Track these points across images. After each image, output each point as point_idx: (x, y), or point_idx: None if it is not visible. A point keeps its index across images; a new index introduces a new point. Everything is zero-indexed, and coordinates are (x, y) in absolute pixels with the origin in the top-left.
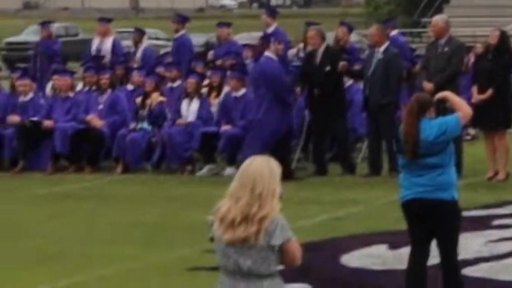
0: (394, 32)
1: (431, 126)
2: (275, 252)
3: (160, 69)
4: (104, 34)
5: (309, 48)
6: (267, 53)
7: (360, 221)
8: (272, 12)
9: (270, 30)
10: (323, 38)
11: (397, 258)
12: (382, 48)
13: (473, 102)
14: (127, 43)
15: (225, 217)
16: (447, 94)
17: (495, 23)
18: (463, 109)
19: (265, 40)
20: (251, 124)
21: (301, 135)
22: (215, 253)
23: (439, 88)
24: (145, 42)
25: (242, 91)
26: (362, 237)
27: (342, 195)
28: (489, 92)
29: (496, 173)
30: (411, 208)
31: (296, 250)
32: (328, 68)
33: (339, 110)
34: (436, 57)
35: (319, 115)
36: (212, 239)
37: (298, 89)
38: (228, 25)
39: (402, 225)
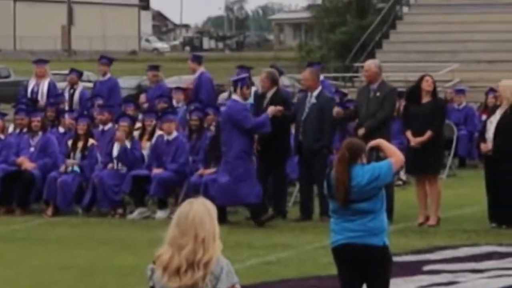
0: (321, 77)
1: (363, 172)
2: None
3: (93, 111)
4: (41, 76)
5: (260, 90)
6: (234, 97)
7: (291, 266)
8: (197, 58)
9: (196, 75)
10: (273, 81)
11: None
12: (315, 93)
13: (406, 147)
14: (60, 85)
15: (168, 265)
16: (380, 141)
17: (427, 68)
18: (395, 155)
19: (234, 84)
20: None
21: None
22: None
23: (371, 132)
24: (80, 84)
25: (174, 134)
26: (293, 282)
27: (273, 240)
28: (428, 133)
29: (427, 219)
30: (341, 253)
31: None
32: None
33: (283, 155)
34: (368, 102)
35: (265, 159)
36: None
37: None
38: (157, 68)
39: (333, 270)
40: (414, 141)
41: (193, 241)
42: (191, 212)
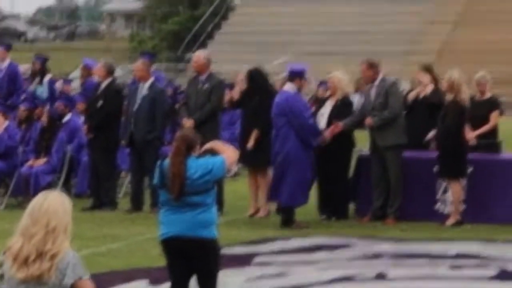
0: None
1: (197, 165)
2: None
3: None
4: None
5: (97, 80)
6: (287, 87)
7: (121, 257)
8: (7, 47)
9: (5, 64)
10: (109, 72)
11: None
12: (147, 84)
13: (239, 139)
14: None
15: (18, 254)
16: (213, 145)
17: (259, 60)
18: (228, 152)
19: (293, 74)
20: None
21: (63, 169)
22: None
23: (199, 124)
24: None
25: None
26: (123, 273)
27: (103, 231)
28: (255, 133)
29: (258, 210)
30: (171, 245)
31: None
32: (100, 103)
33: (113, 146)
34: (197, 93)
35: (95, 149)
36: (1, 277)
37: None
38: None
39: (163, 262)
40: (250, 143)
41: (44, 230)
42: (46, 202)
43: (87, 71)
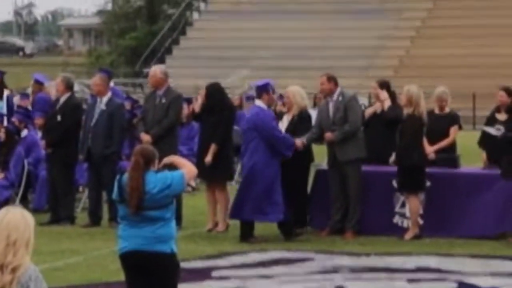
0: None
1: (156, 180)
2: None
3: None
4: None
5: (56, 95)
6: (257, 103)
7: (79, 272)
8: None
9: None
10: (68, 86)
11: None
12: (105, 99)
13: (197, 153)
14: None
15: None
16: (172, 159)
17: (217, 75)
18: (187, 167)
19: (259, 90)
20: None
21: (21, 183)
22: None
23: (157, 139)
24: None
25: None
26: None
27: (61, 245)
28: (213, 147)
29: (216, 225)
30: (129, 259)
31: None
32: (59, 118)
33: (68, 162)
34: (154, 108)
35: (54, 163)
36: None
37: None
38: None
39: (122, 276)
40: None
41: (4, 242)
42: (6, 217)
43: (37, 86)
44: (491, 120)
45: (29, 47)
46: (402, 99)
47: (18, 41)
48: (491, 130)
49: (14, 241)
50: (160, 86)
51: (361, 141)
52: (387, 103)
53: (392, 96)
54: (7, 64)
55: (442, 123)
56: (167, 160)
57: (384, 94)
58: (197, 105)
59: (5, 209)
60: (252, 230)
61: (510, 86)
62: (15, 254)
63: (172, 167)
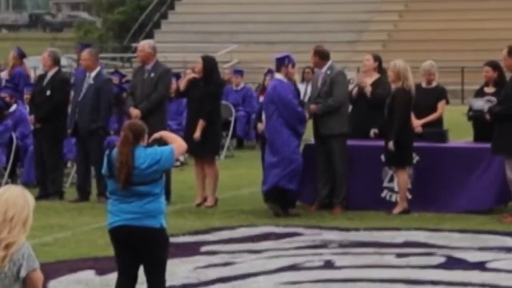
0: None
1: (145, 155)
2: (20, 282)
3: None
4: None
5: (42, 70)
6: (277, 76)
7: (68, 247)
8: None
9: None
10: (55, 61)
11: (104, 284)
12: (93, 73)
13: (185, 128)
14: None
15: None
16: (163, 133)
17: (206, 49)
18: (177, 142)
19: (278, 63)
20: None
21: (9, 158)
22: None
23: (146, 114)
24: None
25: None
26: (70, 263)
27: (50, 220)
28: (201, 123)
29: (205, 199)
30: (118, 234)
31: (39, 280)
32: (48, 92)
33: (59, 135)
34: (143, 83)
35: (41, 139)
36: None
37: None
38: None
39: (111, 251)
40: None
41: (1, 218)
42: (6, 193)
43: (18, 60)
44: (479, 94)
45: (16, 20)
46: (390, 75)
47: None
48: (478, 103)
49: (11, 218)
50: (148, 60)
51: (344, 117)
52: (369, 89)
53: (383, 72)
54: None
55: (429, 98)
56: (157, 135)
57: (366, 81)
58: (182, 83)
59: (6, 186)
60: (292, 202)
61: (495, 60)
62: (10, 230)
63: (161, 142)
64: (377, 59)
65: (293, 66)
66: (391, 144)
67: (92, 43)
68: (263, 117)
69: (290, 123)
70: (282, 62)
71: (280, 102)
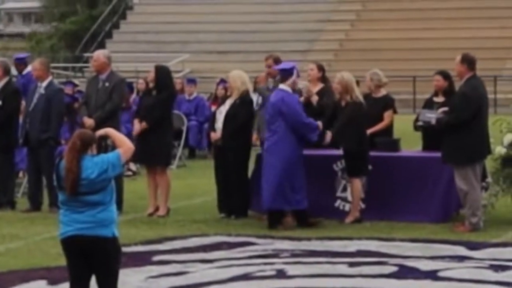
0: (28, 68)
1: (93, 164)
2: None
3: None
4: None
5: None
6: (282, 87)
7: (20, 257)
8: None
9: None
10: (5, 71)
11: None
12: (44, 83)
13: (136, 137)
14: None
15: None
16: (108, 130)
17: (158, 58)
18: (124, 145)
19: (284, 73)
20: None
21: None
22: None
23: (100, 123)
24: None
25: None
26: (22, 273)
27: (2, 230)
28: (143, 124)
29: (157, 209)
30: (70, 244)
31: None
32: (0, 103)
33: (8, 147)
34: (97, 92)
35: None
36: None
37: None
38: None
39: (63, 261)
40: (136, 130)
41: None
42: None
43: None
44: (429, 103)
45: None
46: (336, 87)
47: None
48: (426, 116)
49: None
50: (103, 70)
51: None
52: (315, 98)
53: (326, 82)
54: None
55: (376, 107)
56: (102, 131)
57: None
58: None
59: None
60: (281, 218)
61: (445, 69)
62: None
63: (107, 137)
64: (321, 68)
65: (298, 76)
66: (328, 137)
67: (43, 52)
68: (255, 127)
69: (297, 134)
70: (290, 73)
71: (289, 114)
